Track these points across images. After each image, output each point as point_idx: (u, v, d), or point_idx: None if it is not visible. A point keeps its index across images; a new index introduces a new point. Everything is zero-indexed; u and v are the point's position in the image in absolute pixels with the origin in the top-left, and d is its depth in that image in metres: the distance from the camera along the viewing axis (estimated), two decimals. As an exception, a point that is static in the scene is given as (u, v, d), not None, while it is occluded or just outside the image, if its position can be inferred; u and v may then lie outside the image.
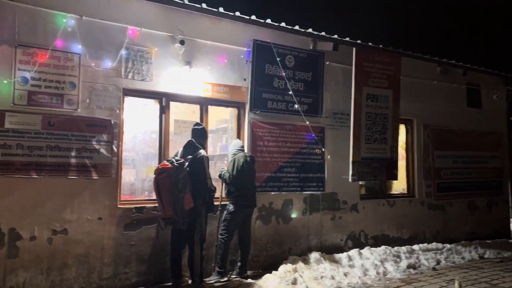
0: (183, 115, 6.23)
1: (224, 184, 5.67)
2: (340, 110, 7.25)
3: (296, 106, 6.52)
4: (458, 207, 8.60)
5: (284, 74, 6.43)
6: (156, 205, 5.27)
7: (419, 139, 8.25)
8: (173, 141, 5.99)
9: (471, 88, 8.81)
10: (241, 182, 5.57)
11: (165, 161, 4.92)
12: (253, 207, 5.81)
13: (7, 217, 4.71)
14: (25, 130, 4.83)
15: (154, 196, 5.49)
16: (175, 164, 4.80)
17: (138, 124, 6.26)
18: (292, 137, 6.65)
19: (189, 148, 5.12)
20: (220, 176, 5.62)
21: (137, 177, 6.46)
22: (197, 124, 5.42)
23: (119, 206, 5.30)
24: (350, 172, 6.56)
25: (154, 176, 4.85)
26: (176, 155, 5.14)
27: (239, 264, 5.78)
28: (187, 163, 4.86)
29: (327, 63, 7.01)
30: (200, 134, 5.31)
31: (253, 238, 5.99)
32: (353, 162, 6.56)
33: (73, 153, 5.02)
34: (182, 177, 4.75)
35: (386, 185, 7.93)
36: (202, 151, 5.02)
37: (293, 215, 6.31)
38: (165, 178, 4.69)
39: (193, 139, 5.21)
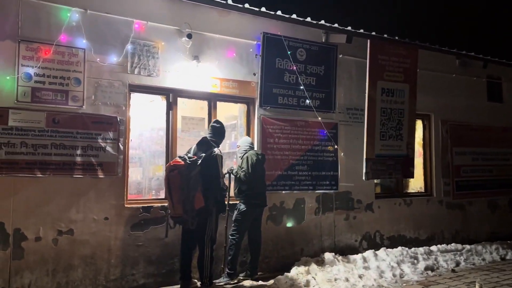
0: (191, 111, 6.22)
1: (233, 183, 5.65)
2: (353, 105, 7.21)
3: (307, 101, 6.51)
4: (478, 206, 8.52)
5: (295, 68, 6.41)
6: (164, 204, 5.35)
7: (437, 135, 8.20)
8: (180, 138, 5.99)
9: (492, 81, 8.73)
10: (253, 180, 5.56)
11: (177, 158, 4.93)
12: (264, 207, 5.80)
13: (11, 217, 4.73)
14: (29, 128, 4.85)
15: (161, 195, 5.74)
16: (188, 161, 4.81)
17: (144, 121, 6.27)
18: (304, 133, 6.63)
19: (203, 145, 5.12)
20: (230, 174, 5.59)
21: (144, 175, 6.47)
22: (216, 121, 5.43)
23: (126, 205, 5.30)
24: (364, 170, 6.51)
25: (165, 173, 4.90)
26: (188, 152, 5.15)
27: (249, 265, 5.80)
28: (199, 161, 4.87)
29: (340, 56, 6.99)
30: (218, 133, 5.33)
31: (264, 239, 5.98)
32: (367, 159, 6.51)
33: (78, 151, 5.04)
34: (194, 175, 4.77)
35: (402, 184, 7.88)
36: (216, 150, 5.03)
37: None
38: (176, 175, 4.71)
39: (207, 136, 5.21)
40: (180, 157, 4.94)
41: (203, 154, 4.94)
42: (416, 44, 7.31)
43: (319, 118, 6.57)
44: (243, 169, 5.49)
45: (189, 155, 5.01)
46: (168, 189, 4.78)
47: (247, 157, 5.57)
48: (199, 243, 4.98)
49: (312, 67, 6.67)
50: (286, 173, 6.46)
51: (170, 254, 5.52)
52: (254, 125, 6.35)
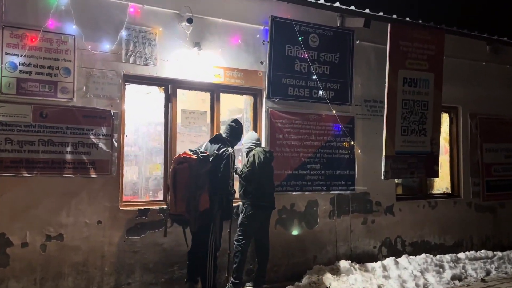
0: (192, 104, 6.27)
1: (238, 183, 5.68)
2: (372, 97, 7.22)
3: (321, 92, 6.54)
4: (511, 208, 8.50)
5: (307, 55, 6.44)
6: (163, 206, 5.39)
7: (465, 130, 8.20)
8: (180, 134, 6.04)
9: (528, 70, 8.83)
10: (260, 180, 5.58)
11: (187, 151, 4.97)
12: (272, 209, 5.82)
13: (-4, 221, 4.76)
14: (15, 123, 4.87)
15: (159, 197, 5.83)
16: (200, 156, 4.87)
17: (141, 115, 6.31)
18: (317, 128, 6.69)
19: (217, 142, 5.21)
20: (234, 174, 5.54)
21: (140, 175, 6.54)
22: (235, 121, 5.49)
23: (120, 208, 5.36)
24: (383, 169, 6.50)
25: (172, 165, 4.92)
26: (200, 147, 5.23)
27: (256, 274, 5.82)
28: (211, 158, 4.95)
29: (357, 42, 7.00)
30: (235, 134, 5.42)
31: (273, 245, 5.98)
32: (386, 157, 6.51)
33: (68, 148, 5.08)
34: (204, 172, 4.83)
35: (426, 184, 7.91)
36: (230, 149, 5.11)
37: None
38: (185, 169, 4.76)
39: (222, 133, 5.34)
40: (191, 150, 4.98)
41: (215, 152, 5.03)
42: (442, 29, 7.29)
43: (334, 111, 6.60)
44: (248, 168, 5.50)
45: (201, 149, 5.08)
46: (173, 183, 4.81)
47: (254, 155, 5.57)
48: (202, 250, 5.02)
49: (326, 55, 6.68)
50: (297, 172, 6.50)
51: (169, 261, 5.55)
52: (261, 119, 6.38)
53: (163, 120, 5.85)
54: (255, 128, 6.41)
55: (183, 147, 5.60)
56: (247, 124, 6.47)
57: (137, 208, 5.45)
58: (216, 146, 5.14)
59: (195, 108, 6.23)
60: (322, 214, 6.72)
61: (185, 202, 4.72)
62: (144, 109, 6.26)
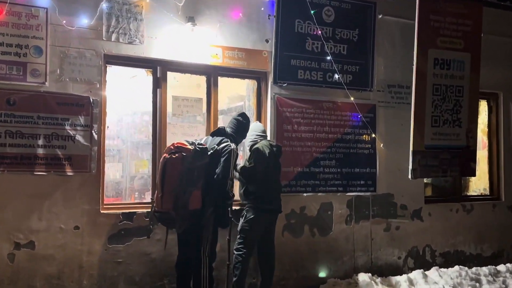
0: (185, 90, 6.27)
1: (239, 183, 5.72)
2: (397, 81, 7.17)
3: (336, 76, 6.53)
4: (560, 213, 8.41)
5: (320, 32, 6.41)
6: (150, 210, 5.39)
7: (507, 121, 8.16)
8: (171, 124, 6.04)
9: None
10: (265, 179, 5.58)
11: (183, 141, 5.04)
12: (279, 213, 5.83)
13: (-45, 226, 4.79)
14: (-24, 112, 4.83)
15: (147, 199, 5.89)
16: (197, 147, 4.91)
17: (125, 102, 6.31)
18: (332, 118, 6.68)
19: (219, 136, 5.28)
20: (236, 171, 5.62)
21: (124, 173, 6.51)
22: (242, 115, 5.52)
23: (101, 211, 5.37)
24: (410, 166, 6.39)
25: (163, 155, 4.98)
26: (199, 140, 5.32)
27: (260, 288, 5.79)
28: (210, 152, 5.01)
29: (380, 16, 6.97)
30: (242, 129, 5.47)
31: (279, 255, 5.99)
32: (414, 152, 6.42)
33: (40, 141, 5.07)
34: (199, 166, 4.87)
35: (460, 184, 7.88)
36: (232, 145, 5.13)
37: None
38: (177, 160, 4.80)
39: (226, 127, 5.38)
40: (187, 141, 5.04)
41: (216, 146, 5.07)
42: (480, 0, 7.15)
43: (352, 98, 6.59)
44: (251, 164, 5.50)
45: (198, 141, 5.14)
46: (162, 175, 4.85)
47: (258, 149, 5.56)
48: (193, 260, 5.04)
49: (342, 32, 6.67)
50: (308, 170, 6.50)
51: (158, 273, 5.56)
52: (266, 108, 6.38)
53: (151, 109, 5.84)
54: (259, 118, 6.40)
55: (174, 140, 5.56)
56: (249, 113, 6.38)
57: (120, 211, 5.47)
58: (218, 140, 5.19)
59: (188, 95, 6.25)
60: (337, 219, 6.72)
61: (173, 198, 4.76)
62: (128, 96, 6.25)
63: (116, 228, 5.42)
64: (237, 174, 5.53)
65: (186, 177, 4.79)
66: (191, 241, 5.00)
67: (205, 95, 6.16)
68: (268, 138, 6.01)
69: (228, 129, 5.39)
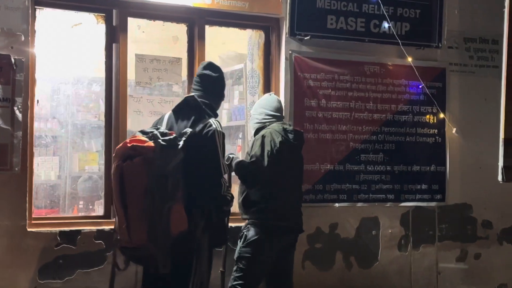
0: (155, 45, 5.84)
1: (239, 187, 5.14)
2: (478, 33, 6.39)
3: (386, 25, 5.88)
4: None
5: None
6: (104, 227, 4.99)
7: None
8: (134, 99, 5.44)
9: None
10: (276, 182, 4.97)
11: (138, 134, 4.42)
12: (298, 233, 5.15)
13: None
14: None
15: (98, 211, 5.46)
16: (161, 141, 4.28)
17: (64, 64, 5.78)
18: (379, 90, 5.95)
19: (186, 112, 4.60)
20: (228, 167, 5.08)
21: (63, 172, 5.92)
22: (209, 66, 4.87)
23: (29, 229, 4.83)
24: (501, 163, 5.14)
25: (114, 163, 4.40)
26: (157, 125, 4.67)
27: None
28: (182, 142, 4.37)
29: None
30: (212, 87, 4.79)
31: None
32: (506, 141, 5.22)
33: None
34: (173, 168, 4.32)
35: None
36: (213, 122, 4.49)
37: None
38: (139, 167, 4.24)
39: (195, 95, 4.68)
40: (143, 132, 4.38)
41: (189, 130, 4.43)
42: None
43: (409, 59, 5.89)
44: (252, 158, 4.92)
45: (160, 129, 4.47)
46: (120, 192, 4.26)
47: (263, 138, 4.93)
48: None
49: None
50: (342, 168, 5.80)
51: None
52: (278, 74, 5.74)
53: (103, 75, 5.26)
54: (267, 88, 5.71)
55: (139, 123, 5.13)
56: (253, 81, 5.86)
57: (58, 229, 4.87)
58: (188, 119, 4.52)
59: (160, 52, 5.66)
60: (386, 243, 6.02)
61: (146, 224, 4.18)
62: (69, 55, 5.73)
63: (51, 254, 4.83)
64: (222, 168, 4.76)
65: (157, 189, 4.22)
66: (176, 279, 4.41)
67: (186, 53, 5.55)
68: (285, 120, 5.35)
69: (195, 94, 4.62)
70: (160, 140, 4.21)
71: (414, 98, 6.07)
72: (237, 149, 5.90)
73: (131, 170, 4.20)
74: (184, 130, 4.41)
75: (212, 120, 4.44)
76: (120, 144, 4.41)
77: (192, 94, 4.68)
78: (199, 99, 4.59)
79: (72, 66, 5.85)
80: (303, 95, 5.66)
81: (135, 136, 4.32)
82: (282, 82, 5.68)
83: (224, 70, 5.92)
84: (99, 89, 5.51)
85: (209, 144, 4.40)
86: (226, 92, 5.37)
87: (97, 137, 5.62)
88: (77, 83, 5.91)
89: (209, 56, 5.57)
